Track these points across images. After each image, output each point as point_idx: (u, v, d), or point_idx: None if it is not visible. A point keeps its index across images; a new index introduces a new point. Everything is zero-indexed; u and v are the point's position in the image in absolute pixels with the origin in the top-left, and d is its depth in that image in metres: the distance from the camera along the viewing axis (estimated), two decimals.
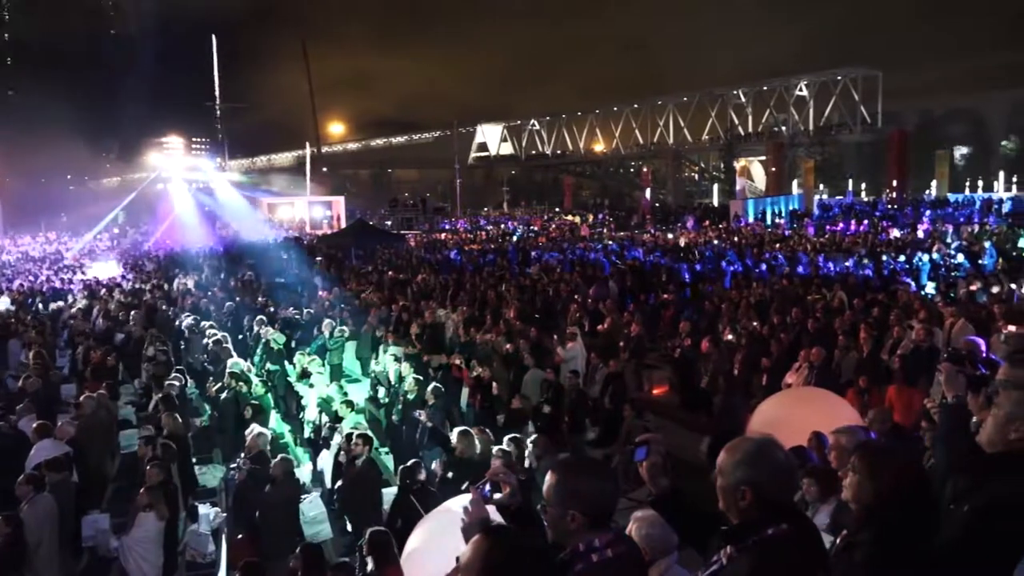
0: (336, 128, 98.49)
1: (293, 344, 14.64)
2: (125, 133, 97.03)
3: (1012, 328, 10.40)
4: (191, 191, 56.84)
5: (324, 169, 77.50)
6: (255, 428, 8.47)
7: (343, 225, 48.66)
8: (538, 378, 11.42)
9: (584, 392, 11.24)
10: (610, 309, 15.35)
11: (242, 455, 8.24)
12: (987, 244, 22.14)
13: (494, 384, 11.10)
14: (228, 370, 11.19)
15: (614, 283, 19.73)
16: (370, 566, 5.27)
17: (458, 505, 6.14)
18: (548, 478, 2.42)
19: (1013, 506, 2.25)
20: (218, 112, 56.67)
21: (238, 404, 10.20)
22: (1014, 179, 45.21)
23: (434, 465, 8.00)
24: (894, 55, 75.77)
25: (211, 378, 12.08)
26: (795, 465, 2.53)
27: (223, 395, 10.69)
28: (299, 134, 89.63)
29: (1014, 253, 21.23)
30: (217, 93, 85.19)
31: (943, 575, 2.42)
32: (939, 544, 2.54)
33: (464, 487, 7.42)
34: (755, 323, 13.20)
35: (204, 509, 8.16)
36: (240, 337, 15.11)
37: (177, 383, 10.75)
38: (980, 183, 45.03)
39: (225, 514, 8.30)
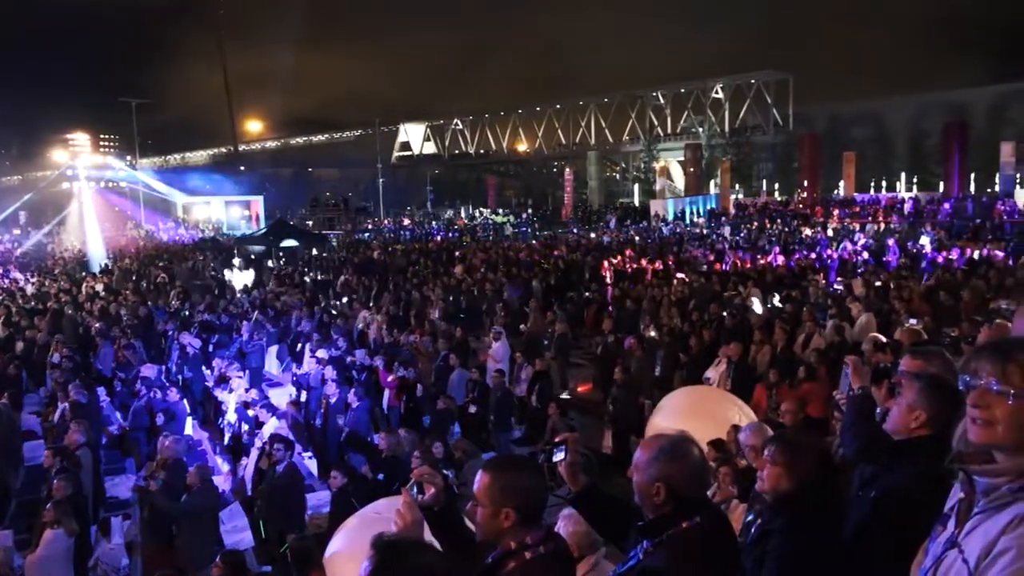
0: (254, 126, 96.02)
1: (210, 348, 14.21)
2: (26, 128, 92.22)
3: (913, 321, 10.99)
4: (100, 190, 54.49)
5: (242, 168, 75.45)
6: (169, 436, 8.19)
7: (262, 225, 47.48)
8: (464, 378, 11.43)
9: (510, 391, 11.29)
10: (534, 308, 15.47)
11: (156, 464, 7.95)
12: (890, 242, 23.28)
13: (418, 385, 11.05)
14: (140, 376, 10.78)
15: (538, 282, 19.89)
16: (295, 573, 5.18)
17: (382, 506, 6.10)
18: (480, 477, 2.41)
19: (914, 491, 2.37)
20: (134, 107, 54.18)
21: (151, 411, 9.84)
22: (914, 179, 47.56)
23: (364, 468, 7.92)
24: (804, 60, 78.89)
25: (122, 385, 11.62)
26: (707, 461, 2.60)
27: (135, 402, 10.29)
28: (214, 132, 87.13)
29: (915, 250, 22.35)
30: (127, 88, 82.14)
31: (852, 559, 2.54)
32: (848, 529, 2.67)
33: (395, 487, 7.38)
34: (676, 320, 13.53)
35: (117, 522, 7.85)
36: (153, 342, 14.59)
37: (85, 391, 10.29)
38: (884, 183, 47.14)
39: (139, 526, 8.00)
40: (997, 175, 41.09)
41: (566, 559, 2.50)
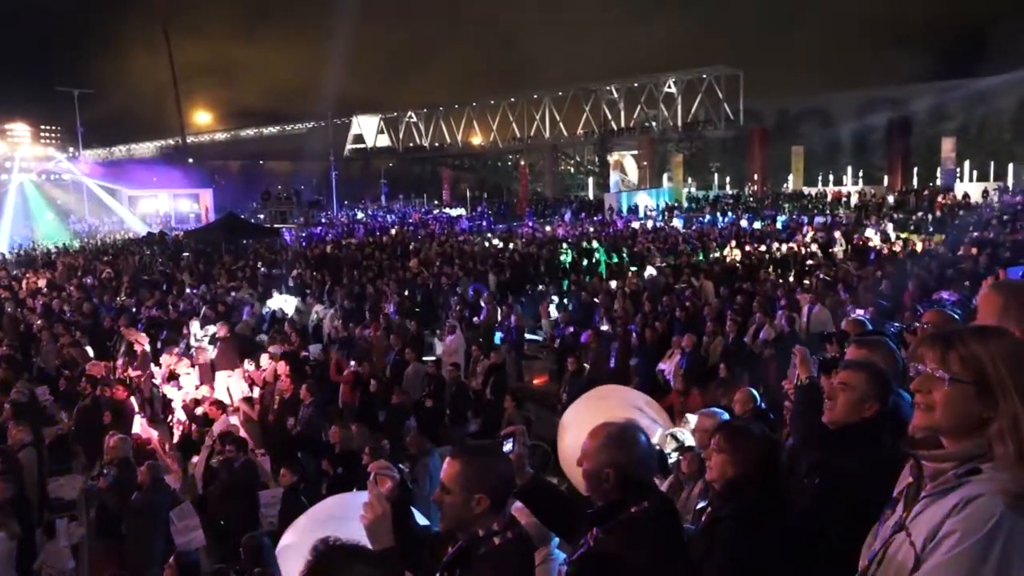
0: (202, 117, 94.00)
1: (159, 345, 13.89)
2: None
3: (860, 312, 11.28)
4: (40, 182, 52.84)
5: (190, 160, 73.82)
6: (117, 434, 7.99)
7: (212, 219, 46.56)
8: (419, 372, 11.38)
9: (465, 384, 11.28)
10: (489, 301, 15.49)
11: (103, 463, 7.76)
12: (836, 234, 23.85)
13: (372, 380, 10.97)
14: (86, 373, 10.50)
15: (493, 275, 19.90)
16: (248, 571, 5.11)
17: (333, 504, 6.05)
18: (450, 463, 2.39)
19: (858, 475, 2.43)
20: (76, 97, 52.46)
21: (98, 410, 9.58)
22: (860, 173, 48.75)
23: (325, 464, 7.85)
24: (754, 55, 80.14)
25: (66, 383, 11.29)
26: (654, 447, 2.65)
27: (81, 401, 10.01)
28: (161, 123, 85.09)
29: (859, 242, 22.92)
30: (69, 78, 79.54)
31: (798, 544, 2.59)
32: (794, 515, 2.73)
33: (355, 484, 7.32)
34: (630, 312, 13.67)
35: (62, 523, 7.63)
36: (99, 339, 14.20)
37: (27, 389, 9.97)
38: (831, 177, 48.23)
39: (86, 527, 7.80)
40: (938, 169, 42.39)
41: (530, 547, 2.51)
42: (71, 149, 65.47)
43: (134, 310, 16.42)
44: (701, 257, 21.38)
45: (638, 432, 2.64)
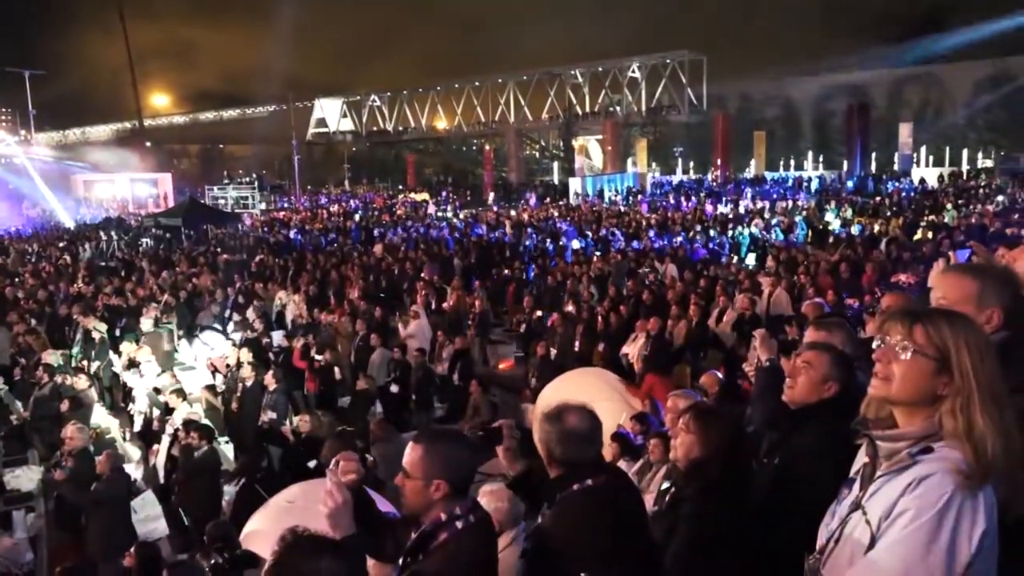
0: (160, 100, 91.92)
1: (118, 332, 13.63)
2: None
3: (817, 299, 11.49)
4: None
5: (148, 143, 72.20)
6: (75, 424, 7.84)
7: (171, 204, 45.66)
8: (385, 358, 11.34)
9: (431, 370, 11.27)
10: (455, 286, 15.45)
11: (62, 453, 7.61)
12: (798, 219, 24.19)
13: (336, 368, 10.91)
14: (43, 362, 10.27)
15: (458, 260, 19.85)
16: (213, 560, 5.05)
17: (295, 493, 6.02)
18: (412, 448, 2.41)
19: (816, 455, 2.48)
20: (27, 78, 50.96)
21: (56, 399, 9.40)
22: (820, 159, 49.48)
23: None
24: (717, 41, 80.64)
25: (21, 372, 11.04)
26: (591, 427, 2.68)
27: (37, 390, 9.81)
28: (117, 106, 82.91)
29: (820, 227, 23.28)
30: (20, 58, 77.07)
31: (759, 523, 2.65)
32: (755, 495, 2.78)
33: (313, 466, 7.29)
34: (595, 296, 13.75)
35: (19, 515, 7.49)
36: (55, 327, 13.89)
37: None
38: (792, 162, 48.88)
39: (45, 518, 7.66)
40: (896, 155, 43.18)
41: (492, 530, 2.55)
42: (23, 132, 63.63)
43: (90, 297, 16.08)
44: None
45: (569, 412, 2.68)
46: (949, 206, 25.63)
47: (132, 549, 5.47)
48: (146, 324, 13.31)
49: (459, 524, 2.33)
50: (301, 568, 1.90)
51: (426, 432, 2.58)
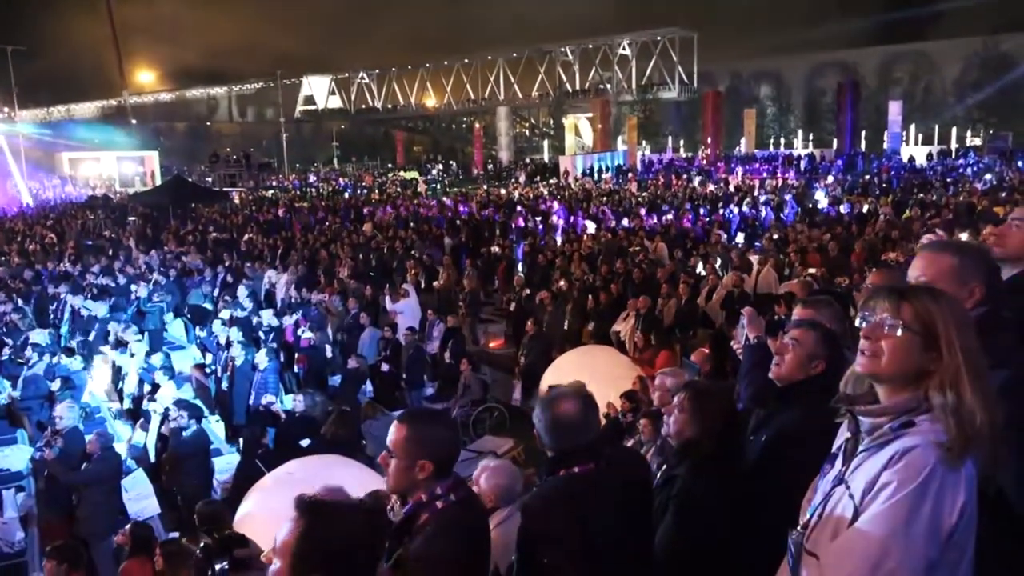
0: (145, 77, 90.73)
1: (107, 312, 13.56)
2: None
3: (812, 270, 11.58)
4: None
5: (133, 121, 71.41)
6: (65, 402, 7.82)
7: (158, 182, 45.27)
8: (375, 337, 11.35)
9: (422, 348, 11.29)
10: (446, 265, 15.43)
11: (51, 432, 7.59)
12: (788, 197, 24.21)
13: (327, 347, 10.91)
14: (31, 341, 10.23)
15: (449, 239, 19.82)
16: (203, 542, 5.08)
17: (295, 466, 6.04)
18: (397, 428, 2.42)
19: (802, 431, 2.51)
20: (9, 54, 50.02)
21: (46, 378, 9.36)
22: (810, 137, 49.46)
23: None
24: (708, 17, 79.99)
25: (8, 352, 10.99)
26: (585, 414, 2.67)
27: (25, 370, 9.76)
28: (102, 83, 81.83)
29: (810, 205, 23.31)
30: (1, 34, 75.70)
31: (749, 498, 2.68)
32: (744, 471, 2.81)
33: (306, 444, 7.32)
34: (586, 275, 13.75)
35: (9, 495, 7.49)
36: (42, 306, 13.82)
37: None
38: (782, 140, 48.84)
39: (35, 498, 7.66)
40: (886, 132, 43.22)
41: (477, 507, 2.56)
42: (6, 109, 62.73)
43: (77, 276, 15.99)
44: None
45: (561, 400, 2.67)
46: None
47: (126, 528, 5.49)
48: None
49: (439, 504, 2.35)
50: (336, 526, 1.86)
51: (411, 412, 2.59)
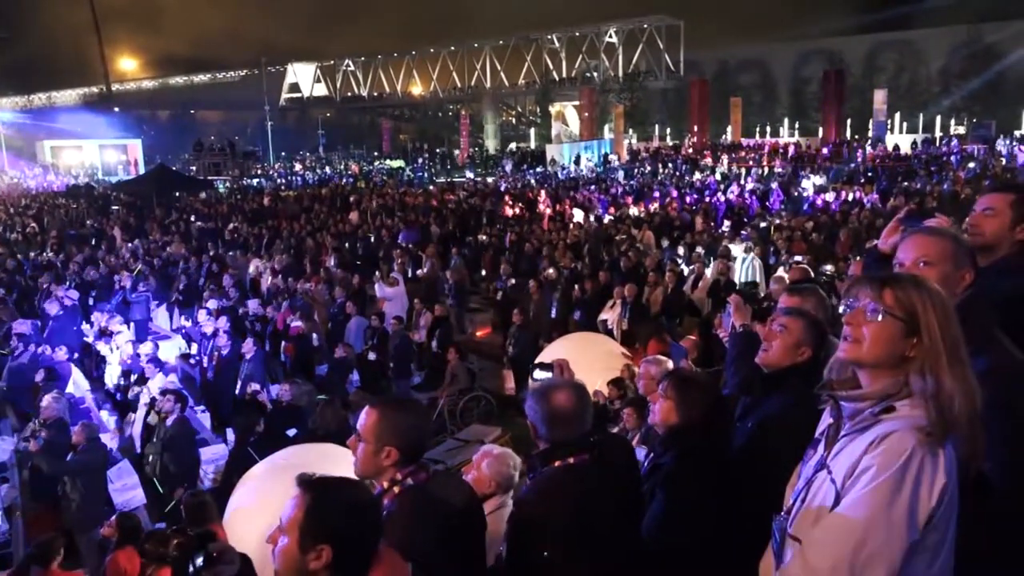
0: (128, 64, 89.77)
1: (90, 301, 13.47)
2: None
3: (798, 258, 11.63)
4: None
5: (116, 109, 70.63)
6: (51, 393, 7.77)
7: (141, 171, 44.87)
8: (362, 325, 11.33)
9: (409, 337, 11.28)
10: (429, 254, 15.41)
11: (36, 423, 7.54)
12: (774, 186, 24.30)
13: (314, 335, 10.88)
14: (14, 332, 10.13)
15: (435, 227, 19.78)
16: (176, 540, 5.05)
17: (289, 453, 6.05)
18: (367, 413, 2.44)
19: (787, 418, 2.53)
20: None
21: (31, 368, 9.29)
22: (796, 125, 49.54)
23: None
24: (694, 5, 79.95)
25: None
26: (580, 406, 2.67)
27: (10, 360, 9.68)
28: (83, 69, 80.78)
29: (796, 194, 23.40)
30: None
31: (735, 485, 2.70)
32: (730, 458, 2.83)
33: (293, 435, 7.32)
34: (573, 263, 13.77)
35: None
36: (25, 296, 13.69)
37: None
38: (768, 129, 48.88)
39: (20, 489, 7.61)
40: (871, 121, 43.36)
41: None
42: None
43: (59, 265, 15.85)
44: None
45: (556, 391, 2.68)
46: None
47: (113, 519, 5.46)
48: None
49: (396, 489, 2.37)
50: (342, 498, 1.90)
51: (381, 400, 2.60)
